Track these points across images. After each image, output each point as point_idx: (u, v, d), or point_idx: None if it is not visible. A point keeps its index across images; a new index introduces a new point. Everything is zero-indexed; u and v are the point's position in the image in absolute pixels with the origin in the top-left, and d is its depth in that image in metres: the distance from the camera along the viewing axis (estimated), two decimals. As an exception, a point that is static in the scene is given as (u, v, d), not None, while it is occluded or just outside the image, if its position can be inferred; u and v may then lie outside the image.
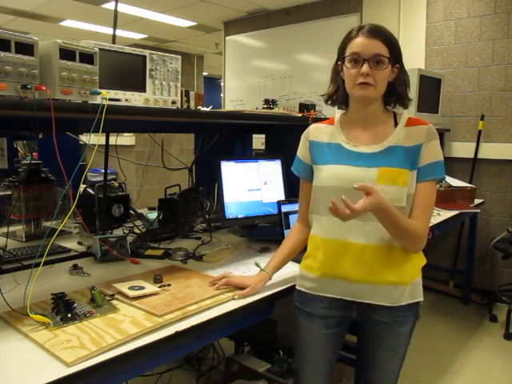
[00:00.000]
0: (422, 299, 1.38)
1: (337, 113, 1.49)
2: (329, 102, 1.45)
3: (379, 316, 1.35)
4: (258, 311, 1.46)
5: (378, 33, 1.28)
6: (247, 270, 1.66)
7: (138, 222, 2.21)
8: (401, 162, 1.30)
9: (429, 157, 1.31)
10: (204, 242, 2.02)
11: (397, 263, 1.32)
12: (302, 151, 1.50)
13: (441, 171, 1.33)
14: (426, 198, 1.32)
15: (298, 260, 1.69)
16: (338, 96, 1.41)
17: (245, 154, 2.67)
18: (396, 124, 1.36)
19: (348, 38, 1.33)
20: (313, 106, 2.44)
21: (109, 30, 5.58)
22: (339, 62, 1.36)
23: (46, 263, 1.52)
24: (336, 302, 1.37)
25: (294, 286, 1.51)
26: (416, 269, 1.38)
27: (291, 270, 1.65)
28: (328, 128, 1.44)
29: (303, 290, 1.43)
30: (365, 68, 1.26)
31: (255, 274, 1.47)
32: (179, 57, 1.73)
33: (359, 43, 1.28)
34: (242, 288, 1.42)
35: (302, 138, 1.50)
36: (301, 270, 1.47)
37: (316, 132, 1.46)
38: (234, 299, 1.38)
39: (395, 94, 1.36)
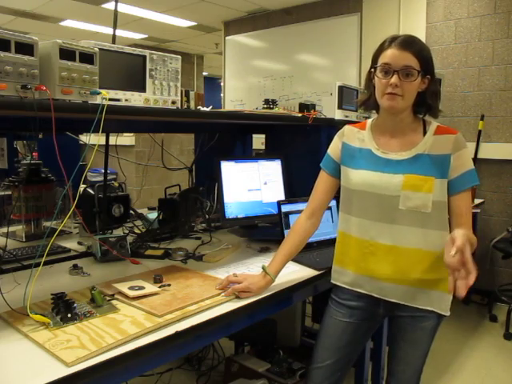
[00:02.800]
0: (446, 314, 1.43)
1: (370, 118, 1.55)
2: (362, 108, 1.53)
3: (402, 312, 1.44)
4: (257, 311, 1.46)
5: (410, 45, 1.32)
6: (247, 270, 1.66)
7: (138, 222, 2.20)
8: (427, 169, 1.35)
9: (461, 167, 1.36)
10: (204, 242, 2.02)
11: (421, 266, 1.38)
12: (333, 150, 1.55)
13: (474, 178, 1.38)
14: (467, 205, 1.38)
15: (297, 260, 1.70)
16: (371, 102, 1.46)
17: (245, 154, 2.67)
18: (425, 132, 1.41)
19: (381, 48, 1.37)
20: (313, 106, 2.44)
21: (109, 30, 5.59)
22: (372, 70, 1.40)
23: (46, 263, 1.52)
24: (366, 297, 1.47)
25: (293, 286, 1.52)
26: (441, 275, 1.36)
27: (291, 269, 1.65)
28: (360, 133, 1.50)
29: (339, 284, 1.53)
30: (394, 79, 1.31)
31: (258, 275, 1.47)
32: (179, 57, 1.73)
33: (391, 54, 1.33)
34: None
35: (336, 137, 1.56)
36: (335, 265, 1.55)
37: (350, 135, 1.52)
38: (235, 298, 1.38)
39: (425, 105, 1.41)
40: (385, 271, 1.40)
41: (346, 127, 1.55)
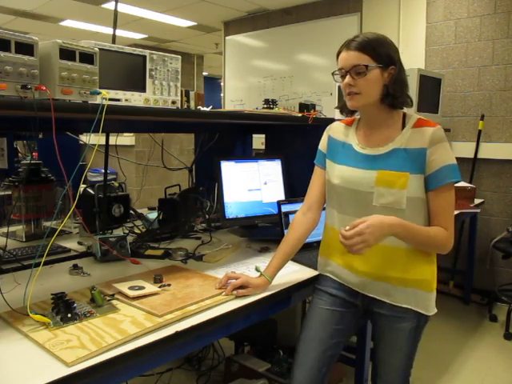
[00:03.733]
0: (426, 313, 1.41)
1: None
2: (342, 114, 1.53)
3: (379, 309, 1.43)
4: (258, 311, 1.46)
5: (359, 44, 1.35)
6: (247, 269, 1.66)
7: (138, 222, 2.20)
8: (402, 165, 1.34)
9: (437, 162, 1.32)
10: (204, 242, 2.02)
11: (400, 264, 1.38)
12: (322, 144, 1.59)
13: (454, 174, 1.33)
14: (444, 203, 1.34)
15: (297, 260, 1.70)
16: (344, 107, 1.48)
17: (245, 153, 2.67)
18: (403, 126, 1.39)
19: (337, 54, 1.41)
20: (313, 106, 2.44)
21: (109, 30, 5.59)
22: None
23: (46, 263, 1.52)
24: (345, 287, 1.49)
25: (292, 286, 1.52)
26: (423, 276, 1.39)
27: (291, 269, 1.65)
28: (346, 128, 1.53)
29: (323, 273, 1.56)
30: (346, 79, 1.36)
31: (256, 277, 1.47)
32: (179, 57, 1.73)
33: (342, 58, 1.38)
34: (244, 287, 1.42)
35: (325, 132, 1.60)
36: (320, 256, 1.58)
37: (336, 129, 1.56)
38: (235, 298, 1.38)
39: (389, 96, 1.37)
40: (362, 267, 1.41)
41: (334, 123, 1.60)
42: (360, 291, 1.45)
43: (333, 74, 1.43)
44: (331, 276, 1.53)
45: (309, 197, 1.59)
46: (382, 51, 1.35)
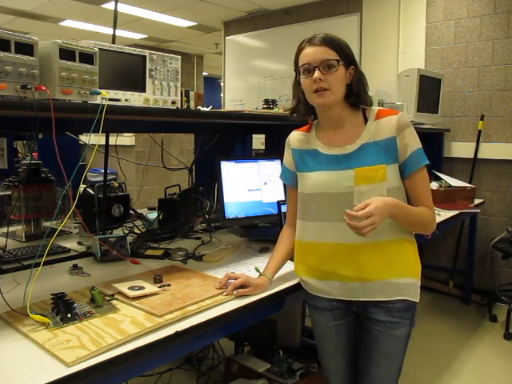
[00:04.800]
0: (417, 300, 1.39)
1: None
2: (294, 115, 1.49)
3: (376, 315, 1.37)
4: (257, 311, 1.46)
5: (324, 40, 1.34)
6: (247, 269, 1.65)
7: (138, 222, 2.20)
8: (376, 158, 1.33)
9: (408, 148, 1.33)
10: (204, 242, 2.02)
11: (387, 259, 1.35)
12: (286, 159, 1.55)
13: (423, 158, 1.35)
14: (423, 185, 1.37)
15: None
16: (301, 108, 1.46)
17: (245, 154, 2.67)
18: (366, 120, 1.38)
19: (298, 51, 1.39)
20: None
21: (109, 30, 5.58)
22: (297, 77, 1.41)
23: (45, 263, 1.52)
24: (336, 300, 1.42)
25: (292, 286, 1.52)
26: (409, 265, 1.38)
27: (291, 270, 1.65)
28: (305, 135, 1.49)
29: (311, 292, 1.48)
30: (316, 74, 1.31)
31: (256, 277, 1.47)
32: (179, 57, 1.73)
33: (308, 53, 1.34)
34: (244, 286, 1.42)
35: (286, 146, 1.55)
36: (298, 275, 1.51)
37: (296, 140, 1.51)
38: (235, 298, 1.38)
39: (354, 95, 1.37)
40: (350, 272, 1.35)
41: (292, 133, 1.54)
42: (352, 299, 1.39)
43: (298, 71, 1.38)
44: (321, 295, 1.44)
45: (289, 215, 1.57)
46: (345, 49, 1.36)
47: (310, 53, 1.33)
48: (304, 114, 1.46)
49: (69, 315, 1.14)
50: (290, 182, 1.53)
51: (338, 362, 1.49)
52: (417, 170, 1.34)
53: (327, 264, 1.38)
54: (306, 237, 1.44)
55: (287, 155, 1.53)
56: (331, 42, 1.33)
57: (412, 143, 1.33)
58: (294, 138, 1.51)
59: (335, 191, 1.35)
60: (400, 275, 1.35)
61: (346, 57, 1.34)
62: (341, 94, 1.35)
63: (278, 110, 2.40)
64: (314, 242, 1.41)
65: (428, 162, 1.35)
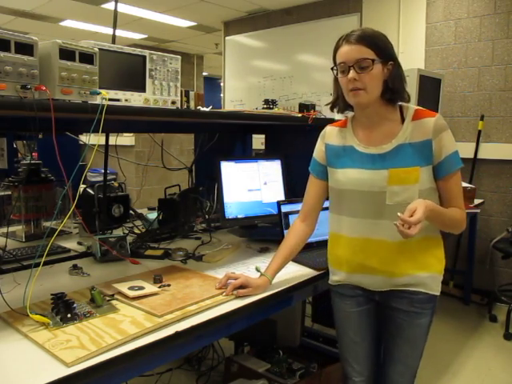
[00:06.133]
0: (437, 294, 1.43)
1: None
2: (334, 110, 1.51)
3: (399, 304, 1.42)
4: (257, 311, 1.45)
5: (360, 37, 1.33)
6: (247, 269, 1.65)
7: (138, 222, 2.20)
8: (411, 160, 1.34)
9: (444, 151, 1.34)
10: (204, 242, 2.02)
11: (413, 256, 1.39)
12: (318, 153, 1.56)
13: (458, 161, 1.37)
14: (456, 187, 1.39)
15: (297, 260, 1.70)
16: (340, 103, 1.47)
17: (245, 153, 2.67)
18: (403, 119, 1.39)
19: (336, 48, 1.39)
20: (312, 106, 2.43)
21: (109, 30, 5.58)
22: (334, 73, 1.42)
23: (45, 263, 1.52)
24: (360, 288, 1.49)
25: (292, 286, 1.53)
26: (432, 261, 1.42)
27: (291, 270, 1.65)
28: (342, 131, 1.50)
29: (335, 283, 1.54)
30: (351, 74, 1.32)
31: (257, 278, 1.47)
32: (179, 57, 1.73)
33: (343, 52, 1.35)
34: (244, 287, 1.42)
35: (319, 139, 1.56)
36: (330, 266, 1.57)
37: (331, 135, 1.52)
38: (235, 298, 1.38)
39: (389, 91, 1.38)
40: (378, 266, 1.40)
41: (328, 128, 1.55)
42: (375, 289, 1.45)
43: (332, 68, 1.39)
44: (347, 282, 1.50)
45: (305, 205, 1.58)
46: (382, 46, 1.35)
47: (346, 51, 1.33)
48: (343, 109, 1.48)
49: (69, 315, 1.14)
50: (319, 174, 1.54)
51: (359, 348, 1.52)
52: (452, 172, 1.36)
53: (356, 257, 1.44)
54: (340, 230, 1.48)
55: (320, 148, 1.55)
56: (368, 40, 1.32)
57: (448, 146, 1.34)
58: (330, 132, 1.53)
59: (368, 189, 1.38)
60: (423, 270, 1.40)
61: (384, 53, 1.34)
62: (377, 92, 1.36)
63: (277, 110, 2.39)
64: (346, 236, 1.45)
65: (462, 165, 1.38)
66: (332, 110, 1.51)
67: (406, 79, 1.41)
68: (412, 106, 1.42)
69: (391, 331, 1.47)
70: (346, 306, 1.52)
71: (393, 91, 1.37)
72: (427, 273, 1.40)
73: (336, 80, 1.43)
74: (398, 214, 1.19)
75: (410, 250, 1.38)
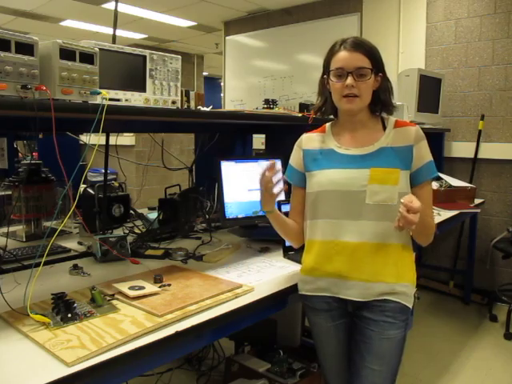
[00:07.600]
0: (410, 306, 1.38)
1: None
2: (318, 114, 1.53)
3: (370, 313, 1.37)
4: (257, 311, 1.46)
5: (360, 46, 1.35)
6: (247, 269, 1.66)
7: (138, 222, 2.21)
8: (392, 162, 1.36)
9: (421, 159, 1.39)
10: (204, 242, 2.02)
11: (389, 262, 1.36)
12: (294, 159, 1.55)
13: (434, 170, 1.42)
14: (429, 195, 1.42)
15: (297, 260, 1.70)
16: (327, 107, 1.48)
17: (245, 154, 2.67)
18: (384, 127, 1.43)
19: (331, 52, 1.40)
20: (313, 106, 2.43)
21: (109, 30, 5.58)
22: (325, 76, 1.43)
23: (46, 263, 1.52)
24: (332, 299, 1.42)
25: (292, 286, 1.52)
26: (407, 271, 1.40)
27: (291, 270, 1.65)
28: (320, 136, 1.50)
29: (303, 293, 1.48)
30: (349, 80, 1.33)
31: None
32: (179, 57, 1.73)
33: (342, 57, 1.35)
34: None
35: (296, 146, 1.55)
36: (302, 275, 1.50)
37: (308, 141, 1.52)
38: (235, 297, 1.38)
39: (380, 102, 1.42)
40: (351, 270, 1.36)
41: (304, 135, 1.54)
42: (348, 298, 1.38)
43: (328, 71, 1.39)
44: (319, 294, 1.43)
45: (293, 213, 1.56)
46: (378, 57, 1.38)
47: (345, 58, 1.35)
48: (329, 113, 1.49)
49: (69, 315, 1.14)
50: (297, 182, 1.53)
51: (338, 362, 1.48)
52: (428, 180, 1.40)
53: (331, 261, 1.39)
54: (314, 235, 1.44)
55: (296, 156, 1.53)
56: (366, 49, 1.35)
57: (426, 154, 1.40)
58: (308, 138, 1.52)
59: (347, 189, 1.37)
60: (400, 279, 1.37)
61: (378, 65, 1.37)
62: (368, 100, 1.39)
63: (278, 110, 2.40)
64: (319, 240, 1.42)
65: (436, 175, 1.43)
66: (316, 113, 1.53)
67: (393, 93, 1.45)
68: (392, 117, 1.46)
69: (358, 345, 1.39)
70: (321, 320, 1.46)
71: (383, 103, 1.42)
72: (403, 282, 1.37)
73: (323, 84, 1.45)
74: (402, 200, 1.20)
75: (386, 257, 1.35)
